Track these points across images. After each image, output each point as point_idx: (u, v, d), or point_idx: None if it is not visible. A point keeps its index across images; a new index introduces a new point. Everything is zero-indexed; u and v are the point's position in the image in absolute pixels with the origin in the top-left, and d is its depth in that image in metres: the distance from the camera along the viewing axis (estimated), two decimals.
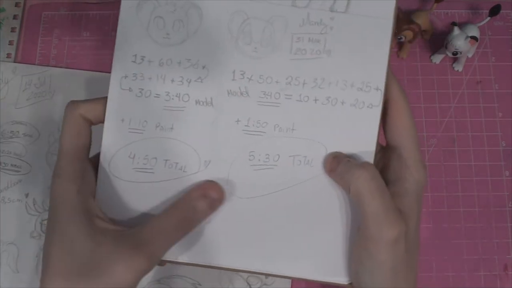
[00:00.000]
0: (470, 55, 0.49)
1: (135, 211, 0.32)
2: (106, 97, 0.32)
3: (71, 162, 0.30)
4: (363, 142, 0.31)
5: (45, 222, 0.46)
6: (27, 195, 0.47)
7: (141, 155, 0.32)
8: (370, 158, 0.31)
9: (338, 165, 0.30)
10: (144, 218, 0.31)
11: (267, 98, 0.32)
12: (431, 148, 0.48)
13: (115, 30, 0.51)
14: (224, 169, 0.32)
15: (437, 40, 0.49)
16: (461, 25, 0.46)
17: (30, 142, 0.49)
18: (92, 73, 0.50)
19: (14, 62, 0.51)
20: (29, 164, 0.48)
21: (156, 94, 0.32)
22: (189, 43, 0.31)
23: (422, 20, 0.47)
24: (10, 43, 0.51)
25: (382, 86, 0.31)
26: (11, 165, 0.48)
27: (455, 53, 0.46)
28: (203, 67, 0.32)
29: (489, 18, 0.48)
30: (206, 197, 0.31)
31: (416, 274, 0.30)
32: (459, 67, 0.49)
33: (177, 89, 0.32)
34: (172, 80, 0.32)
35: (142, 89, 0.31)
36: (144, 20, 0.31)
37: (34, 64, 0.51)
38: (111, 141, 0.32)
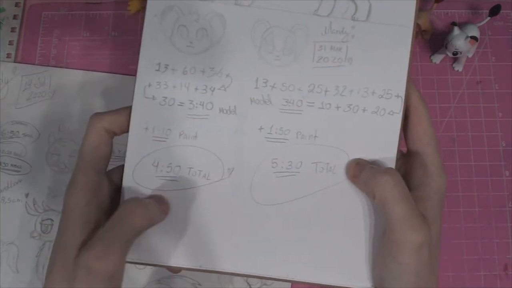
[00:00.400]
0: (470, 55, 0.49)
1: None
2: (130, 107, 0.32)
3: (87, 174, 0.30)
4: (385, 149, 0.32)
5: (45, 222, 0.47)
6: (27, 195, 0.47)
7: (165, 163, 0.32)
8: (391, 164, 0.32)
9: (361, 171, 0.30)
10: (168, 226, 0.32)
11: (289, 105, 0.32)
12: None
13: (115, 30, 0.51)
14: (248, 177, 0.32)
15: (437, 40, 0.49)
16: (461, 25, 0.46)
17: (30, 142, 0.49)
18: (92, 73, 0.50)
19: (14, 62, 0.51)
20: (29, 164, 0.48)
21: (180, 102, 0.32)
22: (213, 51, 0.32)
23: (422, 20, 0.47)
24: (10, 43, 0.51)
25: (402, 93, 0.32)
26: (11, 165, 0.48)
27: (455, 53, 0.46)
28: (227, 76, 0.32)
29: (489, 18, 0.48)
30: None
31: (437, 278, 0.30)
32: (459, 67, 0.49)
33: (201, 97, 0.32)
34: (196, 88, 0.32)
35: (166, 98, 0.32)
36: (167, 29, 0.32)
37: (34, 64, 0.51)
38: (135, 149, 0.32)
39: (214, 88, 0.32)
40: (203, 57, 0.32)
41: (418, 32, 0.48)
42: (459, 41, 0.45)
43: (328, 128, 0.32)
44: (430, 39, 0.50)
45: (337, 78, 0.32)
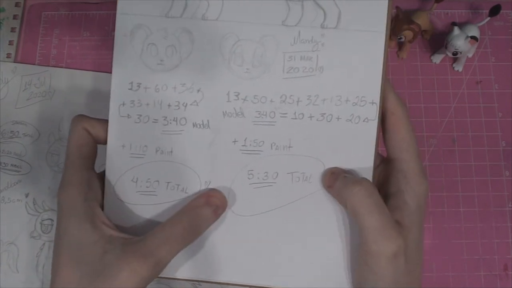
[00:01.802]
0: (470, 55, 0.49)
1: (140, 233, 0.32)
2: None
3: (77, 171, 0.31)
4: (361, 157, 0.32)
5: (45, 222, 0.47)
6: (27, 195, 0.48)
7: (144, 179, 0.32)
8: (368, 172, 0.31)
9: (335, 181, 0.30)
10: None
11: (262, 117, 0.32)
12: (431, 148, 0.48)
13: (115, 30, 0.51)
14: (225, 188, 0.32)
15: (437, 40, 0.49)
16: (461, 25, 0.46)
17: (30, 142, 0.49)
18: (92, 73, 0.50)
19: (14, 62, 0.51)
20: (29, 164, 0.48)
21: (154, 119, 0.32)
22: (183, 67, 0.32)
23: (422, 20, 0.47)
24: (10, 43, 0.51)
25: (377, 100, 0.31)
26: (11, 165, 0.48)
27: (455, 53, 0.46)
28: (198, 91, 0.32)
29: (489, 18, 0.48)
30: (209, 205, 0.31)
31: (420, 283, 0.30)
32: (459, 67, 0.49)
33: (174, 113, 0.32)
34: (169, 105, 0.32)
35: (140, 115, 0.32)
36: (137, 47, 0.32)
37: (34, 64, 0.51)
38: (114, 166, 0.32)
39: (186, 104, 0.32)
40: (173, 73, 0.32)
41: (418, 32, 0.48)
42: (459, 41, 0.45)
43: (302, 138, 0.32)
44: (430, 39, 0.50)
45: (309, 88, 0.32)
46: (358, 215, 0.28)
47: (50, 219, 0.47)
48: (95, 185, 0.31)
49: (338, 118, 0.32)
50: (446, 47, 0.46)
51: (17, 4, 0.53)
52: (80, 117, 0.32)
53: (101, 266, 0.27)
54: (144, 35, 0.32)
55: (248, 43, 0.32)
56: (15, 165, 0.48)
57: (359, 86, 0.31)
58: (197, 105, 0.32)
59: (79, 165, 0.31)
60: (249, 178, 0.32)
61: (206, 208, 0.31)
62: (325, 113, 0.32)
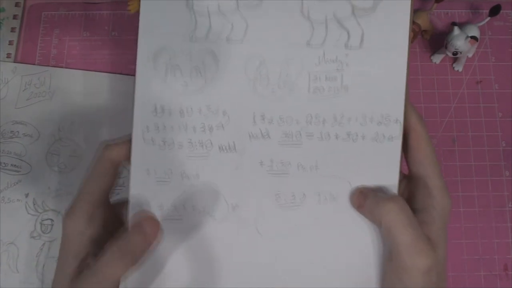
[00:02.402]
0: (470, 55, 0.49)
1: (168, 257, 0.32)
2: None
3: (86, 203, 0.30)
4: (386, 174, 0.31)
5: (45, 222, 0.47)
6: (27, 195, 0.47)
7: (169, 204, 0.32)
8: (394, 189, 0.31)
9: (366, 200, 0.30)
10: (177, 265, 0.32)
11: (288, 138, 0.32)
12: None
13: (115, 30, 0.51)
14: (252, 211, 0.32)
15: (437, 40, 0.49)
16: (461, 25, 0.46)
17: (30, 142, 0.49)
18: (92, 73, 0.50)
19: (14, 62, 0.51)
20: (29, 164, 0.48)
21: (179, 144, 0.32)
22: (208, 90, 0.31)
23: (422, 20, 0.47)
24: (10, 43, 0.51)
25: (401, 118, 0.31)
26: (11, 165, 0.48)
27: (455, 53, 0.46)
28: (224, 113, 0.32)
29: (489, 18, 0.48)
30: (140, 232, 0.30)
31: None
32: (459, 67, 0.49)
33: (200, 136, 0.32)
34: (194, 128, 0.32)
35: (165, 139, 0.31)
36: (161, 70, 0.31)
37: (34, 64, 0.51)
38: (139, 192, 0.31)
39: (212, 127, 0.32)
40: (198, 96, 0.31)
41: (418, 32, 0.48)
42: (459, 41, 0.45)
43: (328, 158, 0.32)
44: (430, 39, 0.50)
45: (334, 107, 0.32)
46: (393, 231, 0.29)
47: (50, 219, 0.47)
48: (98, 222, 0.31)
49: (363, 137, 0.32)
50: (446, 47, 0.46)
51: (17, 4, 0.53)
52: (109, 147, 0.31)
53: None
54: (167, 57, 0.31)
55: (274, 64, 0.32)
56: (15, 165, 0.48)
57: (383, 105, 0.31)
58: (223, 127, 0.32)
59: (90, 198, 0.31)
60: (276, 200, 0.32)
61: (137, 235, 0.30)
62: (350, 132, 0.32)
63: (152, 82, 0.31)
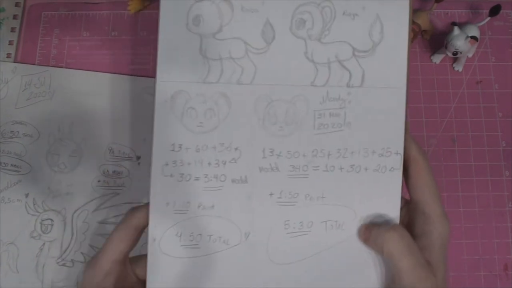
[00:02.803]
0: (470, 55, 0.49)
1: (183, 284, 0.34)
2: None
3: (105, 261, 0.33)
4: (388, 203, 0.34)
5: (45, 222, 0.47)
6: (27, 195, 0.48)
7: (187, 233, 0.34)
8: (395, 216, 0.34)
9: (371, 233, 0.33)
10: None
11: (296, 171, 0.34)
12: (431, 148, 0.48)
13: (115, 30, 0.51)
14: (263, 239, 0.34)
15: (437, 40, 0.49)
16: (461, 25, 0.46)
17: (30, 142, 0.49)
18: (92, 73, 0.50)
19: (14, 62, 0.51)
20: (29, 164, 0.48)
21: (196, 177, 0.34)
22: (221, 128, 0.34)
23: (422, 20, 0.47)
24: (10, 43, 0.51)
25: (401, 150, 0.34)
26: (11, 165, 0.48)
27: (455, 53, 0.46)
28: (236, 149, 0.34)
29: (489, 18, 0.48)
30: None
31: None
32: (459, 67, 0.49)
33: (214, 171, 0.34)
34: (209, 164, 0.34)
35: (183, 174, 0.34)
36: (178, 112, 0.34)
37: (34, 64, 0.51)
38: (159, 223, 0.34)
39: (225, 162, 0.34)
40: (213, 134, 0.34)
41: (418, 32, 0.48)
42: (459, 41, 0.45)
43: (334, 189, 0.34)
44: (430, 39, 0.50)
45: (338, 142, 0.34)
46: (394, 258, 0.30)
47: (50, 219, 0.47)
48: (115, 278, 0.33)
49: (366, 169, 0.34)
50: (446, 47, 0.46)
51: (17, 4, 0.53)
52: (135, 213, 0.34)
53: None
54: (184, 100, 0.34)
55: (281, 103, 0.34)
56: (15, 165, 0.48)
57: (384, 139, 0.34)
58: (235, 162, 0.34)
59: (112, 257, 0.33)
60: (285, 228, 0.34)
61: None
62: (354, 165, 0.34)
63: (170, 122, 0.34)
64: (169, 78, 0.34)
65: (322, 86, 0.34)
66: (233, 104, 0.34)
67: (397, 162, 0.34)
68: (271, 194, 0.34)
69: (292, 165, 0.34)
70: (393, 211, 0.34)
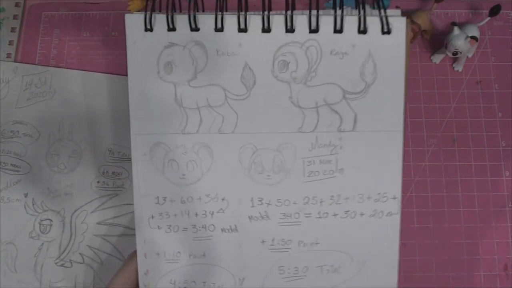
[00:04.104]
0: (470, 55, 0.49)
1: None
2: None
3: None
4: (386, 248, 0.32)
5: (44, 222, 0.46)
6: (26, 195, 0.47)
7: (181, 280, 0.33)
8: (394, 262, 0.32)
9: None
10: None
11: (287, 218, 0.33)
12: (431, 148, 0.48)
13: (115, 30, 0.51)
14: (258, 284, 0.33)
15: (437, 40, 0.49)
16: (461, 25, 0.46)
17: (30, 142, 0.49)
18: (92, 73, 0.50)
19: (14, 62, 0.51)
20: (28, 164, 0.48)
21: (184, 228, 0.33)
22: (205, 180, 0.33)
23: (422, 20, 0.47)
24: (10, 43, 0.52)
25: (399, 195, 0.32)
26: (11, 164, 0.48)
27: (455, 53, 0.46)
28: (223, 199, 0.33)
29: (489, 18, 0.48)
30: None
31: None
32: (459, 67, 0.49)
33: (202, 221, 0.33)
34: (196, 214, 0.33)
35: (170, 225, 0.33)
36: (158, 164, 0.33)
37: (34, 64, 0.51)
38: (150, 271, 0.33)
39: (213, 212, 0.33)
40: (197, 186, 0.33)
41: (418, 32, 0.47)
42: (459, 41, 0.45)
43: (328, 235, 0.33)
44: (430, 39, 0.50)
45: (331, 189, 0.32)
46: None
47: (49, 219, 0.47)
48: None
49: (361, 214, 0.32)
50: (446, 47, 0.46)
51: (17, 4, 0.53)
52: (135, 258, 0.34)
53: None
54: (163, 152, 0.32)
55: (267, 152, 0.32)
56: (14, 164, 0.48)
57: (380, 184, 0.32)
58: (223, 212, 0.33)
59: None
60: (280, 273, 0.33)
61: None
62: (348, 211, 0.32)
63: (151, 175, 0.33)
64: (145, 131, 0.32)
65: (310, 132, 0.32)
66: (215, 154, 0.32)
67: (395, 207, 0.32)
68: (263, 242, 0.33)
69: (283, 213, 0.33)
70: (391, 254, 0.32)
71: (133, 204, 0.46)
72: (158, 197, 0.33)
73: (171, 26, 0.31)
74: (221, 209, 0.33)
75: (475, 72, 0.49)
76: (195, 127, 0.32)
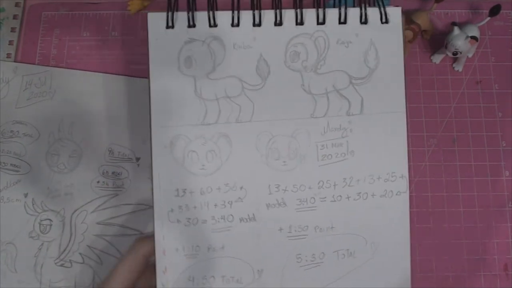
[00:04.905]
0: (470, 55, 0.49)
1: None
2: None
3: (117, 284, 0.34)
4: (398, 226, 0.34)
5: (44, 222, 0.46)
6: (26, 195, 0.47)
7: (200, 276, 0.34)
8: (405, 242, 0.34)
9: None
10: None
11: (303, 204, 0.34)
12: (431, 148, 0.48)
13: (115, 30, 0.51)
14: (277, 274, 0.34)
15: (437, 40, 0.49)
16: (461, 25, 0.46)
17: (30, 142, 0.49)
18: (92, 73, 0.50)
19: (14, 62, 0.51)
20: (28, 164, 0.48)
21: (203, 220, 0.34)
22: (224, 169, 0.34)
23: (422, 20, 0.47)
24: (10, 43, 0.52)
25: (406, 173, 0.34)
26: (11, 164, 0.48)
27: (455, 53, 0.46)
28: (241, 188, 0.34)
29: (489, 18, 0.48)
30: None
31: None
32: (459, 67, 0.49)
33: (221, 212, 0.34)
34: (215, 205, 0.34)
35: (189, 218, 0.34)
36: (178, 156, 0.34)
37: (34, 64, 0.51)
38: (169, 269, 0.34)
39: (231, 202, 0.34)
40: (216, 176, 0.34)
41: (418, 32, 0.48)
42: (459, 41, 0.45)
43: (342, 218, 0.34)
44: (430, 39, 0.50)
45: (343, 171, 0.34)
46: None
47: (48, 219, 0.47)
48: None
49: (373, 195, 0.34)
50: (446, 47, 0.46)
51: (17, 4, 0.53)
52: (142, 243, 0.34)
53: None
54: (184, 144, 0.34)
55: (282, 138, 0.34)
56: (14, 164, 0.48)
57: (388, 163, 0.34)
58: (241, 201, 0.34)
59: (121, 285, 0.34)
60: (297, 262, 0.34)
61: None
62: (360, 192, 0.34)
63: (171, 168, 0.34)
64: (166, 124, 0.33)
65: (322, 117, 0.34)
66: (234, 143, 0.34)
67: (403, 186, 0.34)
68: (280, 230, 0.34)
69: (299, 198, 0.34)
70: (403, 234, 0.34)
71: (132, 204, 0.46)
72: (178, 190, 0.33)
73: (191, 23, 0.33)
74: (240, 198, 0.34)
75: (475, 72, 0.49)
76: (214, 118, 0.34)
